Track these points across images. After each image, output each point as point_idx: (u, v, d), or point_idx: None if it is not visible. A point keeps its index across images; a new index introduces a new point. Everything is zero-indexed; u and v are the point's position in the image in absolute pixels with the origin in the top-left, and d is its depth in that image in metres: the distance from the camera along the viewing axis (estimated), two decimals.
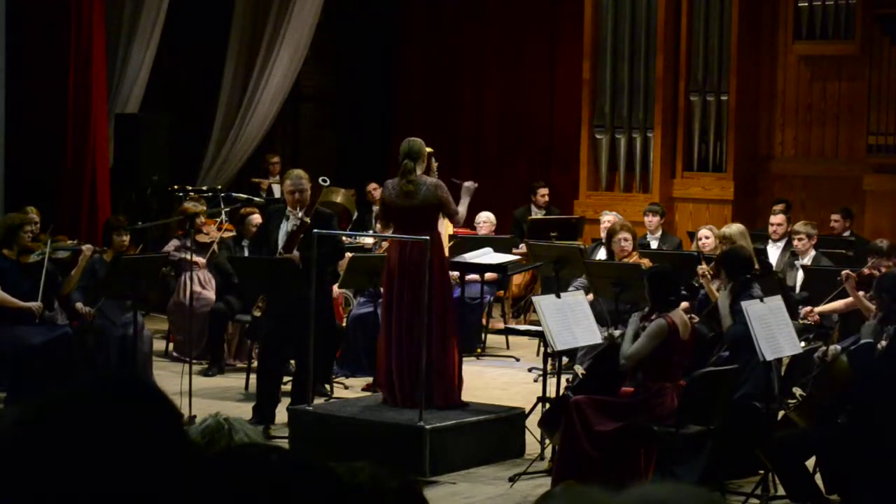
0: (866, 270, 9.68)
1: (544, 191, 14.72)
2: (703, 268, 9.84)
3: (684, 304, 9.41)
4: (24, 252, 9.63)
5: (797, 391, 8.79)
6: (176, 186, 13.22)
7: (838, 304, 9.93)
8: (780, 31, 14.73)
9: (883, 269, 9.45)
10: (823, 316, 10.40)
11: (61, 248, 9.83)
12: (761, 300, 7.94)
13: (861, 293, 9.38)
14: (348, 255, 10.58)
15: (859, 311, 9.41)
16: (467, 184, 9.10)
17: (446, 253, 9.64)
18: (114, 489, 1.62)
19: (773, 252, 11.68)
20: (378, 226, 12.20)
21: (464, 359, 9.44)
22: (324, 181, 9.24)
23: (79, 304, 9.88)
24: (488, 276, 12.14)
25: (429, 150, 8.88)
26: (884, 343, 7.65)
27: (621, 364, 7.63)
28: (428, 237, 8.44)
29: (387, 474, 1.95)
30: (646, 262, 10.44)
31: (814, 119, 14.73)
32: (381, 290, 9.52)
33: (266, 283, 9.33)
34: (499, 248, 11.35)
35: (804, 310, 10.06)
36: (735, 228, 10.52)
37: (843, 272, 9.56)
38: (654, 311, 7.69)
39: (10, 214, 10.20)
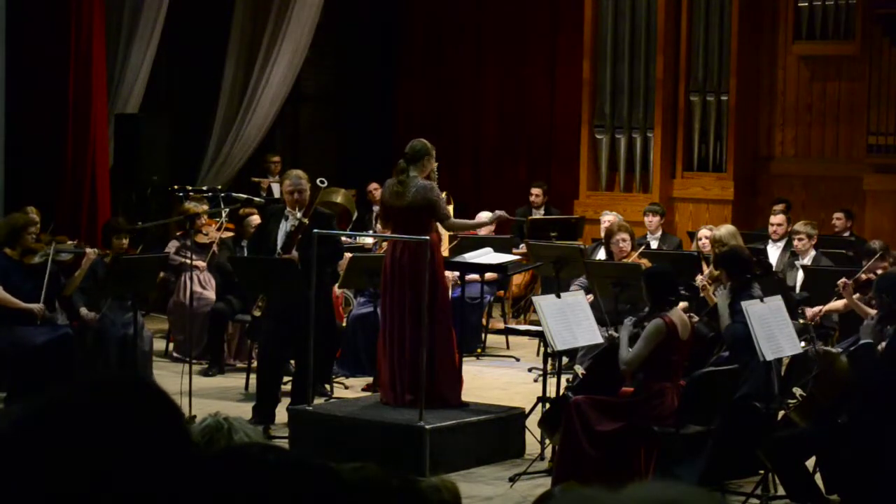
0: (864, 276, 9.67)
1: (537, 191, 14.68)
2: (701, 279, 9.83)
3: (683, 304, 9.39)
4: (28, 253, 9.63)
5: (797, 391, 8.78)
6: (176, 186, 13.22)
7: (838, 303, 9.94)
8: (780, 31, 14.73)
9: (879, 271, 9.45)
10: (823, 316, 10.40)
11: (64, 250, 9.84)
12: (761, 300, 7.94)
13: (857, 296, 9.39)
14: (347, 255, 10.58)
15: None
16: (498, 212, 9.56)
17: (445, 254, 9.64)
18: (114, 489, 1.62)
19: (773, 252, 11.68)
20: (378, 226, 12.23)
21: (464, 359, 9.44)
22: (321, 182, 9.23)
23: (83, 310, 9.88)
24: (488, 276, 12.14)
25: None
26: (884, 344, 7.65)
27: (622, 370, 7.63)
28: (427, 237, 8.44)
29: (387, 474, 1.95)
30: (645, 263, 10.44)
31: (814, 119, 14.73)
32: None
33: (266, 283, 9.33)
34: (499, 248, 11.35)
35: (810, 312, 10.04)
36: (724, 230, 10.50)
37: (840, 281, 9.55)
38: (654, 312, 7.68)
39: (15, 215, 10.20)
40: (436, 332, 8.61)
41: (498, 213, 9.55)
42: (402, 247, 8.66)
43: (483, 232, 12.58)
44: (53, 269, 9.61)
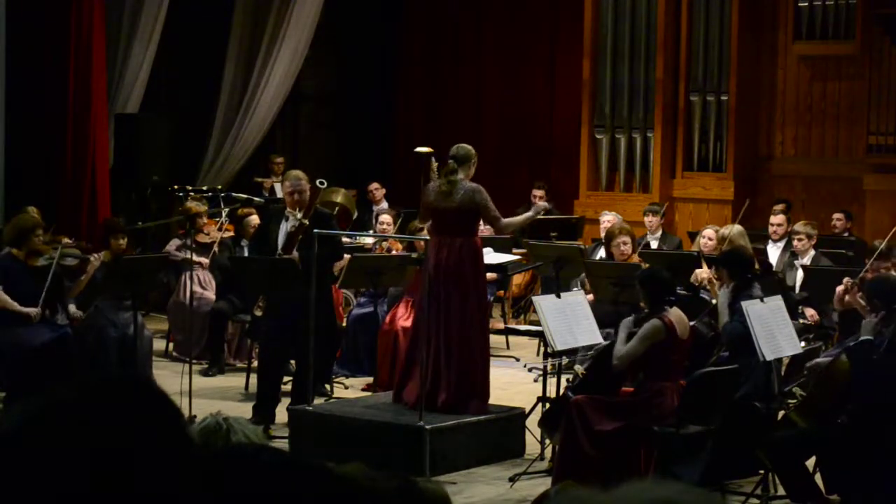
0: (868, 275, 9.66)
1: (538, 192, 14.67)
2: (706, 272, 9.83)
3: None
4: (33, 255, 9.62)
5: (797, 391, 8.79)
6: (176, 186, 13.22)
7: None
8: (780, 31, 14.73)
9: (882, 271, 9.44)
10: (823, 316, 10.40)
11: (70, 255, 9.81)
12: (761, 300, 7.94)
13: (859, 295, 9.37)
14: (347, 256, 10.56)
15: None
16: (542, 204, 9.61)
17: None
18: (114, 489, 1.62)
19: (773, 252, 11.68)
20: (378, 226, 12.23)
21: None
22: (321, 183, 9.23)
23: (72, 308, 9.86)
24: (488, 276, 12.12)
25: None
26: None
27: (613, 365, 7.62)
28: (426, 237, 8.46)
29: (384, 474, 1.95)
30: (646, 265, 10.43)
31: (814, 119, 14.73)
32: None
33: (266, 282, 9.33)
34: (499, 248, 11.35)
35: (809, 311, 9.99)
36: (735, 230, 10.53)
37: (845, 280, 9.53)
38: (652, 313, 7.68)
39: (24, 216, 10.17)
40: (470, 334, 8.66)
41: (540, 204, 9.68)
42: (448, 248, 8.63)
43: (483, 232, 12.57)
44: (57, 272, 9.58)
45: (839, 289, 9.73)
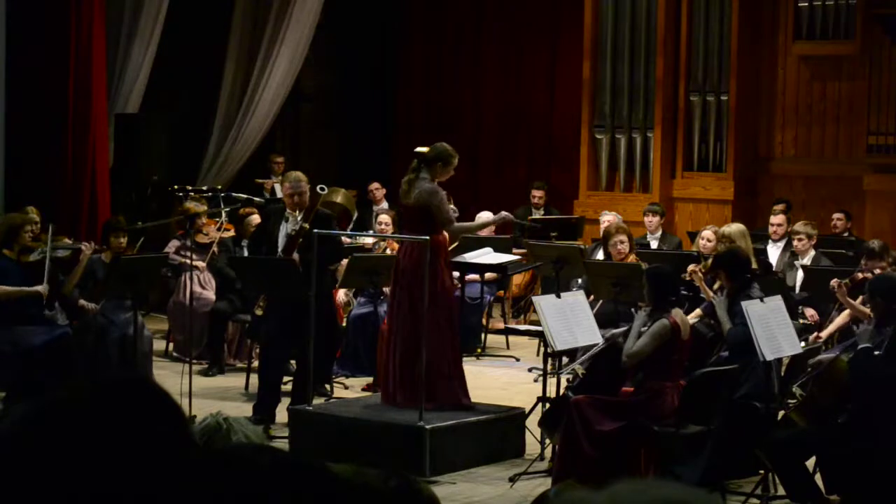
0: (860, 275, 9.64)
1: (538, 192, 14.69)
2: (694, 266, 9.81)
3: (697, 312, 9.37)
4: (25, 251, 9.62)
5: (797, 391, 8.78)
6: (176, 186, 13.22)
7: (840, 320, 9.82)
8: (780, 31, 14.73)
9: (877, 271, 9.42)
10: (823, 316, 10.39)
11: (61, 246, 9.82)
12: (761, 300, 7.94)
13: (860, 298, 9.36)
14: (344, 261, 10.54)
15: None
16: (503, 214, 9.22)
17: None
18: (114, 489, 1.62)
19: (773, 252, 11.69)
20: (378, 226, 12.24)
21: (463, 359, 9.42)
22: (321, 189, 9.23)
23: (82, 301, 9.86)
24: (488, 276, 12.14)
25: (426, 150, 8.86)
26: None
27: (623, 362, 7.63)
28: (428, 237, 8.45)
29: (384, 474, 1.95)
30: (644, 265, 10.42)
31: (814, 119, 14.73)
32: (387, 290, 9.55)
33: (267, 283, 9.34)
34: (499, 248, 11.36)
35: (812, 336, 9.96)
36: (735, 228, 10.52)
37: (833, 281, 9.52)
38: (656, 311, 7.68)
39: (11, 214, 10.20)
40: (433, 333, 8.58)
41: (503, 214, 9.29)
42: (407, 247, 8.65)
43: (483, 232, 12.58)
44: (51, 266, 9.57)
45: (841, 319, 9.73)
